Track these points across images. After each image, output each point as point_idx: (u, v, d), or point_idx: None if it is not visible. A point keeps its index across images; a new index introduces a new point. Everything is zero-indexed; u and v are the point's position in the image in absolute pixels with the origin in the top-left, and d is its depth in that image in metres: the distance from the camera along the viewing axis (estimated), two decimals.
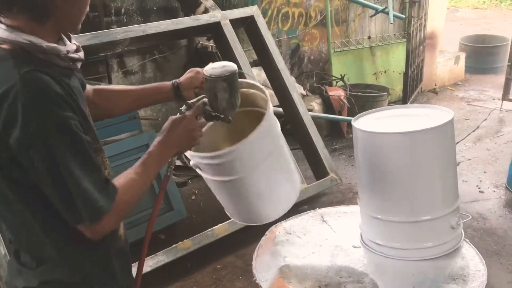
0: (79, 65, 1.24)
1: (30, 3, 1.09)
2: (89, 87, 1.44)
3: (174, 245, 2.91)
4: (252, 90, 1.72)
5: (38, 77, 1.06)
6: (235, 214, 1.84)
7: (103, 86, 1.55)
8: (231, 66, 1.42)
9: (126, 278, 1.39)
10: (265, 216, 1.81)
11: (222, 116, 1.46)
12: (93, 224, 1.13)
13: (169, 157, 1.36)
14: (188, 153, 1.54)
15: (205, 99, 1.45)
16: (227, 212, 1.86)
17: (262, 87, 1.71)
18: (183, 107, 1.41)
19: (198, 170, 1.66)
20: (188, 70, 1.58)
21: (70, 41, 1.23)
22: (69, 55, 1.18)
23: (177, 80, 1.55)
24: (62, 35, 1.21)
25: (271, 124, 1.62)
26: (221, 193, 1.74)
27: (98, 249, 1.26)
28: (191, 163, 1.62)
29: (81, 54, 1.24)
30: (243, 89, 1.65)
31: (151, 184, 1.31)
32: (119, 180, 1.21)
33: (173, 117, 1.37)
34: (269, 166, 1.67)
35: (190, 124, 1.37)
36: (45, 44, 1.11)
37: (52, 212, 1.14)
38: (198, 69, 1.55)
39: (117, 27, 3.87)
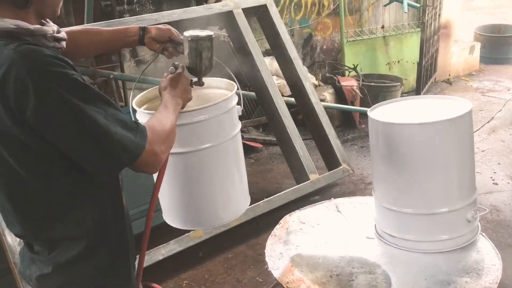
0: (64, 44, 1.26)
1: None
2: None
3: (186, 234, 2.92)
4: (220, 91, 1.82)
5: (30, 48, 1.09)
6: (180, 210, 1.75)
7: (68, 29, 1.51)
8: (209, 31, 1.56)
9: (134, 251, 1.42)
10: (213, 214, 1.75)
11: (200, 77, 1.56)
12: (134, 163, 1.17)
13: (179, 107, 1.42)
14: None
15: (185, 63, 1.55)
16: (166, 217, 1.78)
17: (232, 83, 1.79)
18: (171, 69, 1.52)
19: None
20: (161, 24, 1.63)
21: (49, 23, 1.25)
22: (54, 34, 1.20)
23: (146, 26, 1.58)
24: (42, 20, 1.23)
25: (235, 109, 1.71)
26: (173, 176, 1.66)
27: (111, 222, 1.28)
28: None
29: (63, 34, 1.26)
30: (211, 89, 1.81)
31: (174, 132, 1.35)
32: (148, 121, 1.28)
33: (170, 75, 1.48)
34: (230, 149, 1.71)
35: (185, 80, 1.49)
36: (31, 26, 1.14)
37: (69, 190, 1.18)
38: (170, 27, 1.60)
39: (129, 16, 3.87)
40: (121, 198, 1.35)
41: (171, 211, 1.76)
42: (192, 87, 1.56)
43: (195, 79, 1.58)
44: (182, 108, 1.47)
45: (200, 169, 1.68)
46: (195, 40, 1.51)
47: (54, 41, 1.21)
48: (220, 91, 1.86)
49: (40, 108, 1.06)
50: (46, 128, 1.09)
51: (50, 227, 1.21)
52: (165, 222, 1.83)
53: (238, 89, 1.72)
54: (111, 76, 3.47)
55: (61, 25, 1.37)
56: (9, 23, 1.11)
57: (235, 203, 1.80)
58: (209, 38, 1.52)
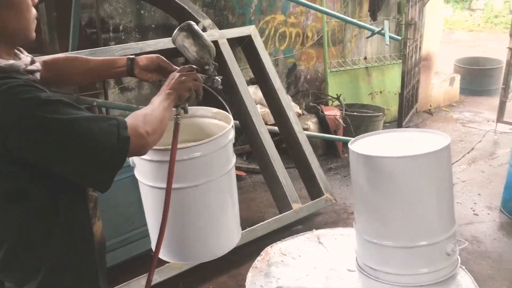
0: (38, 75, 1.26)
1: None
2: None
3: (166, 264, 2.87)
4: (215, 121, 1.83)
5: (2, 82, 1.10)
6: (171, 245, 1.71)
7: (49, 56, 1.54)
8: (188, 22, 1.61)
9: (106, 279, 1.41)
10: (206, 248, 1.74)
11: (205, 63, 1.59)
12: (128, 152, 1.20)
13: (169, 98, 1.42)
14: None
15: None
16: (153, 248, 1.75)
17: (224, 113, 1.81)
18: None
19: (139, 176, 1.68)
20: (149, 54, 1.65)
21: (23, 54, 1.26)
22: (27, 68, 1.21)
23: (134, 57, 1.60)
24: (15, 50, 1.24)
25: (230, 142, 1.71)
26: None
27: (79, 255, 1.27)
28: (135, 161, 1.67)
29: (37, 65, 1.27)
30: (205, 119, 1.82)
31: (162, 116, 1.36)
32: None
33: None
34: (224, 184, 1.70)
35: (182, 69, 1.51)
36: (3, 63, 1.14)
37: (36, 225, 1.17)
38: (158, 54, 1.63)
39: (115, 44, 3.89)
40: (90, 225, 1.34)
41: (163, 245, 1.73)
42: (211, 73, 1.60)
43: (208, 68, 1.61)
44: (177, 98, 1.46)
45: (194, 205, 1.67)
46: (174, 42, 1.58)
47: (28, 73, 1.21)
48: (214, 121, 1.85)
49: (25, 136, 1.07)
50: (30, 154, 1.10)
51: (20, 267, 1.20)
52: (144, 252, 1.81)
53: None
54: (94, 104, 3.46)
55: (45, 53, 1.37)
56: None
57: (228, 237, 1.80)
58: (181, 28, 1.56)
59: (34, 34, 1.24)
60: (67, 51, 3.35)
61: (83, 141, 1.13)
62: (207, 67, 1.61)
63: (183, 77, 1.48)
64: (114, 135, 1.17)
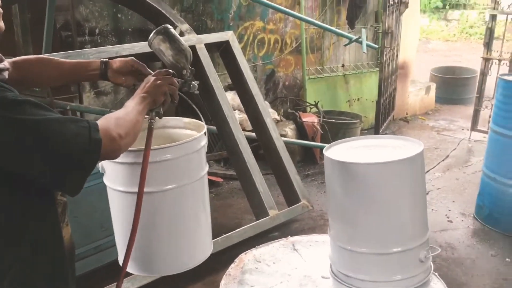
0: (6, 74, 1.24)
1: None
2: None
3: (135, 274, 2.81)
4: (187, 131, 1.81)
5: None
6: (139, 255, 1.64)
7: (21, 57, 1.50)
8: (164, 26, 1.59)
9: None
10: (177, 260, 1.70)
11: (182, 67, 1.57)
12: (99, 155, 1.17)
13: (143, 101, 1.40)
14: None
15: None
16: (120, 259, 1.69)
17: (197, 122, 1.80)
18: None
19: (108, 182, 1.65)
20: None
21: None
22: None
23: (108, 60, 1.58)
24: None
25: (203, 149, 1.70)
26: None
27: (48, 249, 1.24)
28: (104, 166, 1.64)
29: (5, 64, 1.25)
30: (177, 130, 1.81)
31: (135, 120, 1.34)
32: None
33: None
34: (196, 191, 1.67)
35: (158, 74, 1.49)
36: None
37: (5, 227, 1.13)
38: (133, 58, 1.61)
39: (91, 48, 3.84)
40: (60, 230, 1.30)
41: (130, 256, 1.67)
42: (189, 78, 1.58)
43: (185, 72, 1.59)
44: (152, 102, 1.43)
45: (162, 212, 1.62)
46: (151, 47, 1.56)
47: None
48: (186, 132, 1.83)
49: None
50: (3, 156, 1.06)
51: None
52: (116, 260, 1.76)
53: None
54: (68, 108, 3.40)
55: (18, 55, 1.33)
56: None
57: (200, 247, 1.76)
58: (157, 32, 1.54)
59: (2, 25, 1.21)
60: (41, 54, 3.28)
61: (52, 143, 1.09)
62: (183, 71, 1.59)
63: (159, 81, 1.46)
64: (85, 137, 1.14)
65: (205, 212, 1.76)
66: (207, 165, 1.76)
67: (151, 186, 1.53)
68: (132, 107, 1.36)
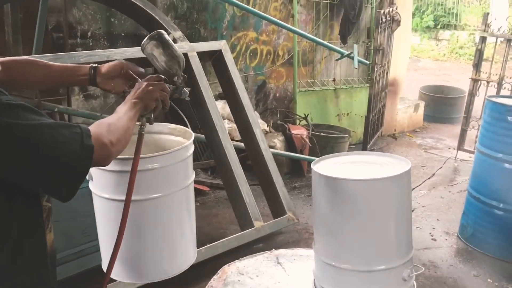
0: None
1: None
2: None
3: (118, 281, 2.78)
4: (172, 137, 1.81)
5: None
6: (121, 262, 1.63)
7: (9, 58, 1.48)
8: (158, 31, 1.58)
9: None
10: (158, 267, 1.69)
11: (174, 74, 1.56)
12: (92, 161, 1.16)
13: (135, 107, 1.39)
14: None
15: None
16: (105, 267, 1.66)
17: (183, 128, 1.81)
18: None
19: (94, 188, 1.63)
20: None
21: None
22: None
23: (97, 65, 1.55)
24: None
25: (190, 157, 1.70)
26: (118, 223, 1.57)
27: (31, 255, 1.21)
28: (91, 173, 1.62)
29: None
30: (165, 136, 1.81)
31: (127, 126, 1.33)
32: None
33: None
34: (181, 200, 1.67)
35: (149, 79, 1.48)
36: None
37: None
38: (122, 60, 1.59)
39: (82, 50, 3.81)
40: (42, 232, 1.28)
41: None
42: (180, 85, 1.58)
43: (177, 79, 1.58)
44: (143, 108, 1.42)
45: (147, 220, 1.62)
46: (144, 52, 1.55)
47: None
48: (171, 138, 1.83)
49: None
50: None
51: None
52: (100, 265, 1.75)
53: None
54: (56, 110, 3.36)
55: (7, 55, 1.32)
56: None
57: (182, 255, 1.76)
58: (151, 37, 1.53)
59: None
60: (31, 54, 3.25)
61: (44, 149, 1.08)
62: (175, 78, 1.58)
63: (150, 87, 1.45)
64: (77, 143, 1.13)
65: (189, 220, 1.75)
66: (194, 173, 1.75)
67: (137, 194, 1.51)
68: (123, 112, 1.35)
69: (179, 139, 1.79)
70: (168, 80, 1.56)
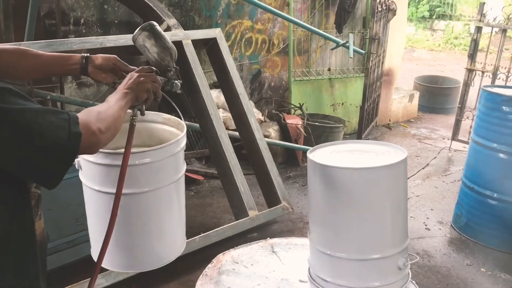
0: None
1: None
2: None
3: (110, 270, 2.76)
4: (166, 127, 1.81)
5: None
6: (113, 252, 1.63)
7: None
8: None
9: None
10: (149, 257, 1.71)
11: (166, 65, 1.54)
12: (78, 149, 1.14)
13: (126, 97, 1.37)
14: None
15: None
16: (95, 256, 1.69)
17: (177, 119, 1.79)
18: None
19: (84, 179, 1.63)
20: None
21: None
22: None
23: (89, 55, 1.53)
24: None
25: (182, 151, 1.69)
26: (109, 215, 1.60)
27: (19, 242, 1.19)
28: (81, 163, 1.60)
29: None
30: (156, 124, 1.80)
31: (117, 115, 1.31)
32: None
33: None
34: (172, 192, 1.67)
35: (141, 70, 1.46)
36: None
37: None
38: (116, 56, 1.57)
39: (74, 37, 3.76)
40: (32, 224, 1.26)
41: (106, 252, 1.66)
42: (173, 77, 1.57)
43: (168, 71, 1.56)
44: (134, 98, 1.41)
45: (139, 212, 1.63)
46: (135, 42, 1.53)
47: None
48: (165, 127, 1.82)
49: None
50: None
51: None
52: (90, 255, 1.75)
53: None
54: (48, 97, 3.32)
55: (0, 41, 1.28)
56: None
57: (172, 245, 1.77)
58: (143, 28, 1.51)
59: None
60: (23, 41, 3.20)
61: (30, 134, 1.05)
62: (167, 69, 1.56)
63: (142, 78, 1.43)
64: (65, 130, 1.10)
65: (179, 212, 1.76)
66: (185, 165, 1.74)
67: (127, 188, 1.50)
68: (114, 102, 1.33)
69: (172, 129, 1.78)
70: (160, 72, 1.54)
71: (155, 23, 1.55)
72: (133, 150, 1.48)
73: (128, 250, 1.66)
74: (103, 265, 1.61)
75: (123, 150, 1.45)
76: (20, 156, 1.06)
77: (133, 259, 1.69)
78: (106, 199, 1.52)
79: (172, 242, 1.76)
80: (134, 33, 1.53)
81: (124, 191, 1.46)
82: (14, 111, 1.04)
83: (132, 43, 1.58)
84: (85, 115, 1.20)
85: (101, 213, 1.61)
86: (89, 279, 2.07)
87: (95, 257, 1.66)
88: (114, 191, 1.44)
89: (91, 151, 1.23)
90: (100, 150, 1.42)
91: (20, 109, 1.05)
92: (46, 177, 1.13)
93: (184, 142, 1.69)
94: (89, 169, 1.62)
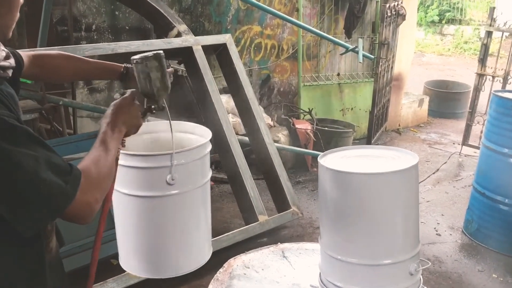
0: (10, 72, 1.16)
1: None
2: (24, 54, 1.39)
3: (125, 272, 2.78)
4: (192, 136, 1.83)
5: None
6: (139, 257, 1.66)
7: (41, 52, 1.50)
8: (156, 50, 1.46)
9: None
10: (174, 263, 1.71)
11: (156, 100, 1.45)
12: (63, 213, 1.05)
13: (121, 136, 1.33)
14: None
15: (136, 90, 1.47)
16: (122, 262, 1.72)
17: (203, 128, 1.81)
18: (116, 95, 1.47)
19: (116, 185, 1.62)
20: None
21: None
22: (0, 63, 1.12)
23: (129, 65, 1.56)
24: None
25: (208, 157, 1.72)
26: (136, 219, 1.62)
27: (28, 265, 1.16)
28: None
29: (11, 61, 1.17)
30: (185, 134, 1.82)
31: (115, 163, 1.28)
32: (82, 163, 1.14)
33: (114, 102, 1.39)
34: (199, 196, 1.69)
35: (130, 102, 1.39)
36: None
37: None
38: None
39: (86, 44, 3.80)
40: (41, 247, 1.21)
41: (129, 255, 1.70)
42: (153, 112, 1.46)
43: (154, 105, 1.46)
44: (127, 135, 1.37)
45: (165, 216, 1.64)
46: (140, 61, 1.41)
47: None
48: (193, 137, 1.84)
49: None
50: None
51: None
52: (106, 258, 1.79)
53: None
54: (60, 103, 3.36)
55: (12, 47, 1.31)
56: None
57: (197, 253, 1.78)
58: (156, 57, 1.41)
59: (10, 34, 1.16)
60: (36, 47, 3.24)
61: (20, 187, 1.00)
62: (154, 104, 1.47)
63: (134, 107, 1.39)
64: (64, 198, 1.05)
65: (206, 218, 1.78)
66: (210, 172, 1.77)
67: (156, 190, 1.53)
68: (110, 147, 1.23)
69: (199, 138, 1.79)
70: (146, 103, 1.47)
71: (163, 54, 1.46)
72: (163, 152, 1.51)
73: (154, 255, 1.68)
74: (127, 269, 1.70)
75: (159, 152, 1.50)
76: (13, 197, 1.01)
77: (160, 264, 1.70)
78: (135, 203, 1.54)
79: (199, 248, 1.77)
80: (142, 57, 1.42)
81: (150, 193, 1.48)
82: (23, 156, 0.99)
83: (143, 49, 1.59)
84: (84, 180, 1.09)
85: (127, 217, 1.66)
86: (102, 282, 2.10)
87: (122, 264, 1.75)
88: (144, 194, 1.49)
89: (80, 221, 1.12)
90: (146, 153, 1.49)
91: (29, 154, 1.00)
92: (24, 224, 1.05)
93: (209, 147, 1.72)
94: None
